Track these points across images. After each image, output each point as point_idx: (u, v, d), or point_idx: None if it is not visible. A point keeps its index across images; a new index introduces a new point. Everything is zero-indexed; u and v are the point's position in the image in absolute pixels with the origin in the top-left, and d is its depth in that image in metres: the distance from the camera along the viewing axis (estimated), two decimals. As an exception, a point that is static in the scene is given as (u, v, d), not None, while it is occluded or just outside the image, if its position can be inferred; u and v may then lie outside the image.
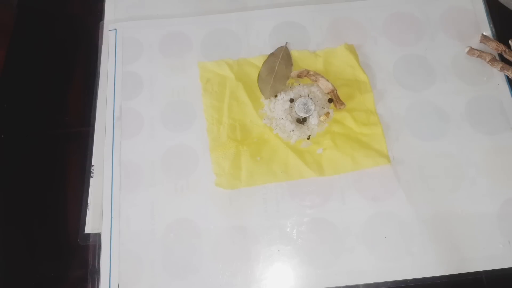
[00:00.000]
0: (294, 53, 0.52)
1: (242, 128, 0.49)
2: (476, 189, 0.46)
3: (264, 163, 0.48)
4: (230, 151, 0.48)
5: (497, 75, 0.51)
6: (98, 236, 0.46)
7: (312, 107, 0.47)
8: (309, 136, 0.48)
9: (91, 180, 0.48)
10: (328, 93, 0.49)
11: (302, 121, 0.48)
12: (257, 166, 0.47)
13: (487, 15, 0.54)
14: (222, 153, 0.48)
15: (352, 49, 0.52)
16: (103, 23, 0.56)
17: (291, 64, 0.51)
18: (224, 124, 0.49)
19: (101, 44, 0.54)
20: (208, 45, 0.54)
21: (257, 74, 0.51)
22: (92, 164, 0.49)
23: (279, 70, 0.50)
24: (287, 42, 0.53)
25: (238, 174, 0.47)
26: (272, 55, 0.52)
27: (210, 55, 0.53)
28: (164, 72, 0.53)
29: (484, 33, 0.53)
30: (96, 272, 0.45)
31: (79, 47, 0.57)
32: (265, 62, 0.51)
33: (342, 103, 0.49)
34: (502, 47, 0.52)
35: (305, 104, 0.48)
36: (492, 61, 0.51)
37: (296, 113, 0.48)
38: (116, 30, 0.55)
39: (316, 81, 0.50)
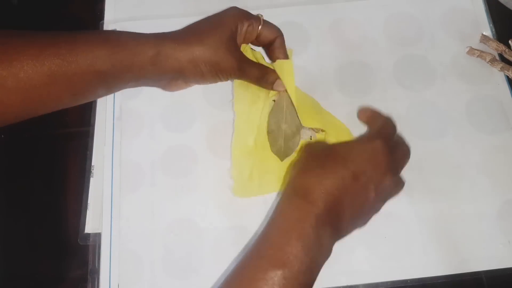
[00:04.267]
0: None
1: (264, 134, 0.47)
2: (476, 189, 0.46)
3: (279, 170, 0.46)
4: (254, 157, 0.46)
5: (497, 75, 0.51)
6: (98, 236, 0.46)
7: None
8: (311, 136, 0.47)
9: (91, 180, 0.48)
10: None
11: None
12: (273, 173, 0.46)
13: (487, 15, 0.54)
14: (245, 158, 0.46)
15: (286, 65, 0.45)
16: (103, 23, 0.55)
17: (296, 115, 0.45)
18: (254, 123, 0.47)
19: (101, 44, 0.54)
20: (208, 45, 0.54)
21: None
22: (92, 164, 0.49)
23: (286, 129, 0.46)
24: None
25: (258, 182, 0.46)
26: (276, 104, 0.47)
27: (210, 55, 0.53)
28: (164, 72, 0.53)
29: (484, 33, 0.53)
30: (96, 272, 0.45)
31: (79, 47, 0.57)
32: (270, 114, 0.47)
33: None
34: (502, 47, 0.52)
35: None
36: (492, 61, 0.51)
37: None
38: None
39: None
